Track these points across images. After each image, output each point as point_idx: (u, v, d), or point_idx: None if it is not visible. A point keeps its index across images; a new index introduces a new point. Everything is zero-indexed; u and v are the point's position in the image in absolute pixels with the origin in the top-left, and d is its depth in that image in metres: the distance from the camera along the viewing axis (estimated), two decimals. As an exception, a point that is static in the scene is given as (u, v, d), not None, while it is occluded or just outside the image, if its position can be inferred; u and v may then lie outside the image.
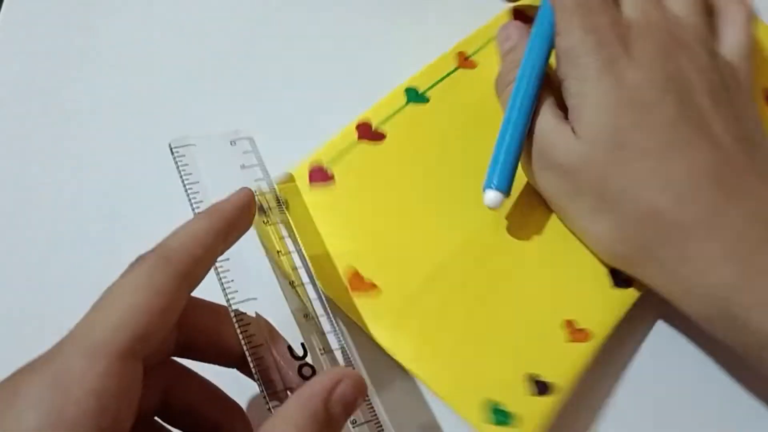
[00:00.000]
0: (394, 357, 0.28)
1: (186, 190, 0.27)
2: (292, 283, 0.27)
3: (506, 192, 0.29)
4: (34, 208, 0.32)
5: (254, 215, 0.25)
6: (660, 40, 0.28)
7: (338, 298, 0.29)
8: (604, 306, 0.29)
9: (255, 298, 0.25)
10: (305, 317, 0.26)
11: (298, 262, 0.28)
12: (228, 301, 0.24)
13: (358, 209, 0.31)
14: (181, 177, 0.27)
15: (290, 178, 0.31)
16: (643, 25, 0.29)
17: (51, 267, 0.31)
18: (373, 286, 0.29)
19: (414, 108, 0.33)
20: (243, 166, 0.29)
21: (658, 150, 0.27)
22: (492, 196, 0.28)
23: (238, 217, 0.24)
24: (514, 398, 0.27)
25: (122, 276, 0.21)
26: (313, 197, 0.31)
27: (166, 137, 0.34)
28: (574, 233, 0.30)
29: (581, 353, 0.28)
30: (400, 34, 0.37)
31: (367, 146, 0.32)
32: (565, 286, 0.30)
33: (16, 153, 0.34)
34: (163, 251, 0.22)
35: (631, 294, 0.29)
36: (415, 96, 0.34)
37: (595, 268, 0.30)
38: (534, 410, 0.27)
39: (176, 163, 0.27)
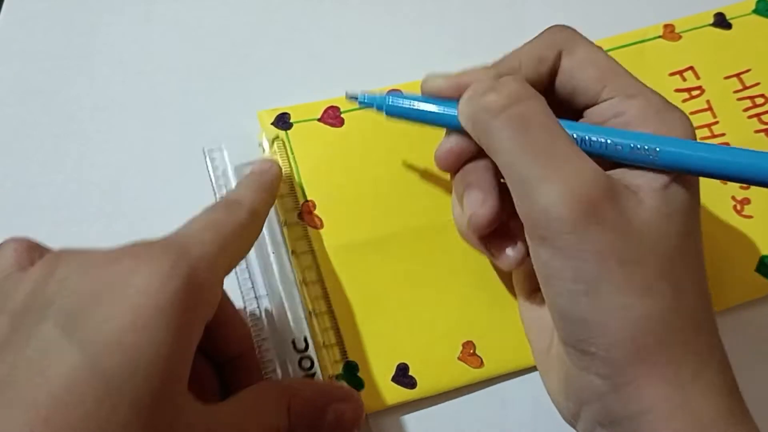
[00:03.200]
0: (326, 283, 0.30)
1: (214, 190, 0.31)
2: (304, 281, 0.30)
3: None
4: (34, 208, 0.32)
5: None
6: None
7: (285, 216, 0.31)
8: (510, 348, 0.29)
9: (265, 294, 0.29)
10: (310, 314, 0.29)
11: (310, 262, 0.30)
12: (242, 295, 0.28)
13: (348, 158, 0.33)
14: (211, 178, 0.31)
15: (304, 111, 0.33)
16: None
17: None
18: (321, 222, 0.31)
19: None
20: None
21: None
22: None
23: (276, 188, 0.29)
24: (378, 375, 0.29)
25: (210, 209, 0.24)
26: (314, 131, 0.33)
27: (165, 137, 0.34)
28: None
29: (462, 375, 0.29)
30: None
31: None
32: (480, 311, 0.30)
33: (16, 153, 0.34)
34: (234, 197, 0.26)
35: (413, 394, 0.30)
36: None
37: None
38: (385, 392, 0.29)
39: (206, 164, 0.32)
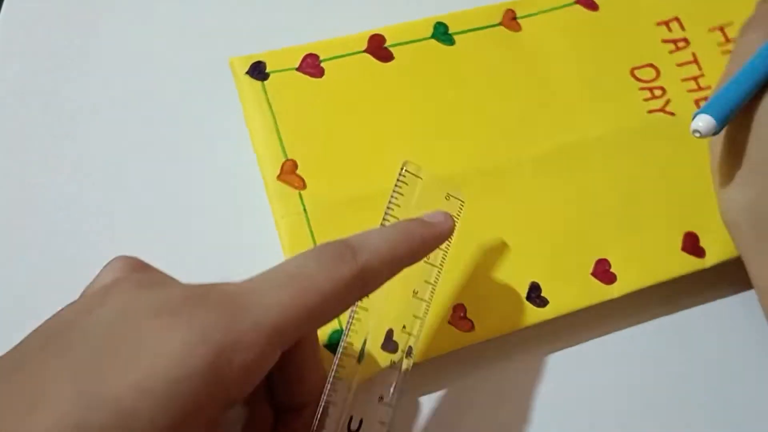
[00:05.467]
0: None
1: (389, 205, 0.26)
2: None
3: (719, 122, 0.26)
4: (34, 208, 0.32)
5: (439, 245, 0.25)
6: None
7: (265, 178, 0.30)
8: (504, 313, 0.29)
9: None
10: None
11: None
12: (340, 343, 0.24)
13: (331, 112, 0.31)
14: (392, 194, 0.26)
15: (281, 59, 0.31)
16: None
17: (51, 267, 0.31)
18: (302, 182, 0.30)
19: (436, 45, 0.33)
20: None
21: None
22: (703, 120, 0.26)
23: (431, 245, 0.23)
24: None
25: (309, 255, 0.20)
26: (293, 82, 0.31)
27: (165, 137, 0.34)
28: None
29: (452, 339, 0.28)
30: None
31: (371, 60, 0.32)
32: (476, 276, 0.29)
33: (16, 153, 0.34)
34: (354, 243, 0.21)
35: (536, 314, 0.29)
36: (442, 34, 0.33)
37: (515, 277, 0.29)
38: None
39: (398, 182, 0.26)
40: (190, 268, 0.31)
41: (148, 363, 0.17)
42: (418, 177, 0.27)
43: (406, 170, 0.26)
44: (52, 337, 0.18)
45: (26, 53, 0.36)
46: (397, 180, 0.26)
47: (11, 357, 0.19)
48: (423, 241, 0.23)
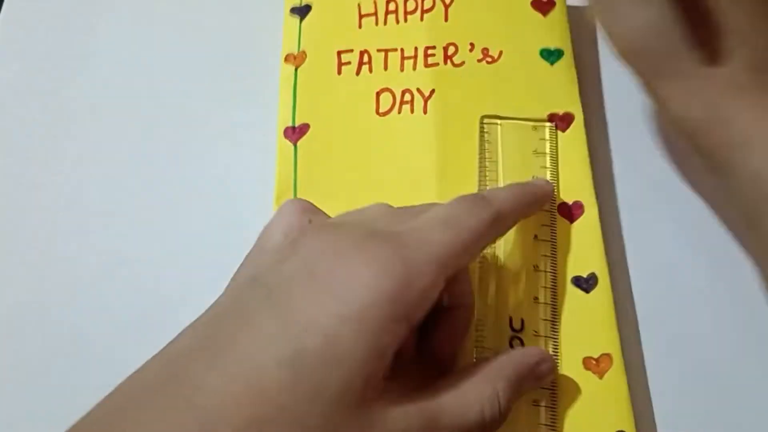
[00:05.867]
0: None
1: (481, 166, 0.30)
2: (535, 267, 0.28)
3: None
4: (34, 208, 0.32)
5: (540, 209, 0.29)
6: None
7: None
8: None
9: (495, 274, 0.28)
10: (534, 300, 0.28)
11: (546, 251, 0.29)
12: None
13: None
14: (481, 152, 0.30)
15: None
16: None
17: (51, 266, 0.31)
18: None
19: None
20: (535, 152, 0.30)
21: None
22: None
23: (542, 200, 0.28)
24: None
25: (452, 204, 0.24)
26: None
27: (165, 137, 0.34)
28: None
29: None
30: None
31: None
32: None
33: (16, 153, 0.34)
34: (486, 195, 0.26)
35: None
36: None
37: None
38: None
39: (481, 136, 0.31)
40: (190, 268, 0.31)
41: (343, 295, 0.20)
42: (496, 123, 0.30)
43: (484, 122, 0.30)
44: (258, 284, 0.22)
45: (26, 53, 0.36)
46: (480, 136, 0.30)
47: (229, 306, 0.22)
48: (534, 195, 0.28)
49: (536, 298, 0.28)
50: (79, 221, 0.32)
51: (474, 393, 0.23)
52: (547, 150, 0.30)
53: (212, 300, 0.24)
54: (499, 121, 0.30)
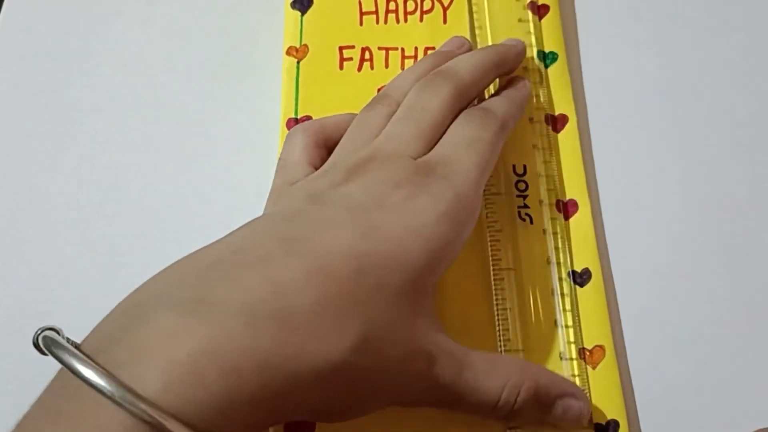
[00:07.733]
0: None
1: (472, 30, 0.33)
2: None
3: None
4: (34, 208, 0.32)
5: (519, 64, 0.32)
6: None
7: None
8: None
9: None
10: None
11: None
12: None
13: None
14: (470, 17, 0.34)
15: None
16: None
17: (51, 267, 0.31)
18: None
19: None
20: (520, 20, 0.33)
21: None
22: None
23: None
24: None
25: (465, 126, 0.27)
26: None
27: (166, 137, 0.34)
28: None
29: None
30: None
31: None
32: None
33: (16, 153, 0.34)
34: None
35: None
36: None
37: None
38: None
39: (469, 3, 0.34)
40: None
41: (407, 215, 0.24)
42: None
43: None
44: (317, 195, 0.25)
45: (26, 53, 0.36)
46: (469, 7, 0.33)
47: (302, 209, 0.25)
48: (523, 98, 0.30)
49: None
50: (79, 221, 0.32)
51: (503, 371, 0.24)
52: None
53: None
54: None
